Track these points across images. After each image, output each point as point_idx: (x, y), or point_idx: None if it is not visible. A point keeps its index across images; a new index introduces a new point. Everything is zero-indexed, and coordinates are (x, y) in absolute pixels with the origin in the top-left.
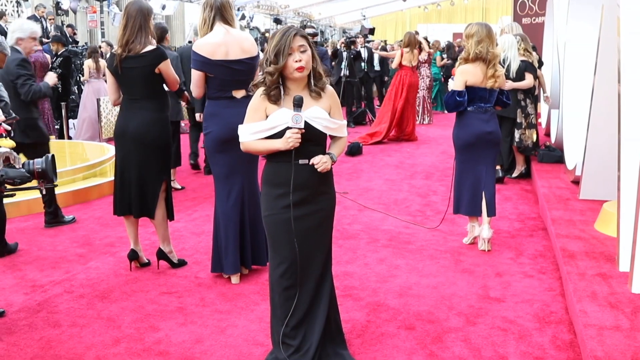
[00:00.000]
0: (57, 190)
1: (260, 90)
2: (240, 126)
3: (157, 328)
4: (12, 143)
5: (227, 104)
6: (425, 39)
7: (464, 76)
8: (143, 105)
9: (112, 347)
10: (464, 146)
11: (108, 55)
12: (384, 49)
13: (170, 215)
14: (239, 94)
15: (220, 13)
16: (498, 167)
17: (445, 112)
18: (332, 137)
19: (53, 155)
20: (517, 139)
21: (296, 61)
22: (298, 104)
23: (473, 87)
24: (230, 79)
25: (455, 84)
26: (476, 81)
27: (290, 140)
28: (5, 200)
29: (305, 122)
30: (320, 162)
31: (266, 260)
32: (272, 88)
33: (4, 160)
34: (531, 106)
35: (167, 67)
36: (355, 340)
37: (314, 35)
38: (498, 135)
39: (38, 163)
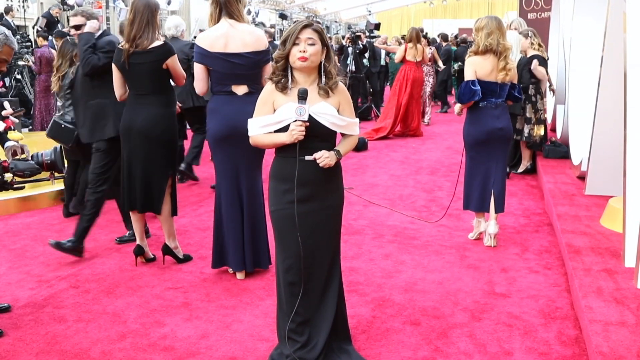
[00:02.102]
0: (62, 186)
1: (270, 81)
2: (249, 120)
3: (163, 323)
4: (20, 135)
5: (226, 100)
6: (424, 36)
7: (473, 66)
8: (150, 101)
9: (118, 342)
10: (475, 143)
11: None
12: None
13: (173, 211)
14: (239, 89)
15: (226, 8)
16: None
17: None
18: (342, 135)
19: (61, 147)
20: (526, 134)
21: (300, 51)
22: (302, 96)
23: (483, 80)
24: (229, 72)
25: (466, 76)
26: (485, 73)
27: (294, 132)
28: (11, 195)
29: (312, 117)
30: (322, 157)
31: (267, 263)
32: (278, 75)
33: (12, 153)
34: (541, 102)
35: (174, 63)
36: (360, 336)
37: None
38: (509, 131)
39: (47, 155)
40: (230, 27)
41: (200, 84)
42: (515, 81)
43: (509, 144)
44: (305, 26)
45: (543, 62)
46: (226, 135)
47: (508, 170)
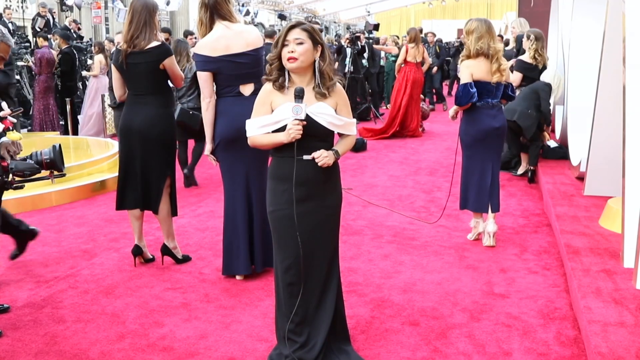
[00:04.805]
0: (60, 186)
1: (267, 82)
2: (247, 121)
3: (162, 324)
4: (19, 136)
5: (234, 102)
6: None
7: (469, 69)
8: (148, 101)
9: (117, 342)
10: (472, 142)
11: (113, 51)
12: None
13: (173, 211)
14: (246, 89)
15: (216, 11)
16: (532, 168)
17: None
18: (340, 135)
19: (60, 145)
20: None
21: (289, 52)
22: (299, 95)
23: (479, 81)
24: (235, 73)
25: (462, 78)
26: (481, 75)
27: (292, 131)
28: (10, 196)
29: (309, 117)
30: (321, 156)
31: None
32: (273, 75)
33: (7, 151)
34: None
35: (171, 64)
36: (359, 336)
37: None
38: (505, 130)
39: (46, 154)
40: (227, 29)
41: (207, 89)
42: (510, 81)
43: (503, 143)
44: (292, 27)
45: (529, 70)
46: (234, 137)
47: (530, 174)
